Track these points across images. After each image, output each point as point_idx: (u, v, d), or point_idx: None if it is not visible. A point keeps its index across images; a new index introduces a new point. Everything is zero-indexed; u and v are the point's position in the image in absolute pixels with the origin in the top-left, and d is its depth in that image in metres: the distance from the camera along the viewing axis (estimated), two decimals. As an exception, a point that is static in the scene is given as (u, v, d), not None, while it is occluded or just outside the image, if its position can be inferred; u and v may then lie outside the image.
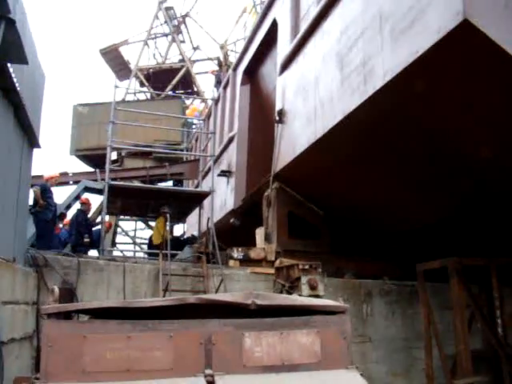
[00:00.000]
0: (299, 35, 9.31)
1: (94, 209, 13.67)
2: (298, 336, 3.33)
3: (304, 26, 9.14)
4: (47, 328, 3.15)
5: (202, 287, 8.51)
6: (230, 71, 15.70)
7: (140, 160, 22.17)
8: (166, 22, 30.14)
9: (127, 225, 27.16)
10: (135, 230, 26.70)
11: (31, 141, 7.80)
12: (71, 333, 3.18)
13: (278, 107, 10.47)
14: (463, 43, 4.95)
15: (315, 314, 3.43)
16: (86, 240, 11.94)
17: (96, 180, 14.76)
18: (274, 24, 11.33)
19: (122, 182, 14.43)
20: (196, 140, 20.54)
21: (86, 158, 25.08)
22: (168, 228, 12.10)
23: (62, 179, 14.00)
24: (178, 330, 3.23)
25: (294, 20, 9.95)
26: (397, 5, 5.96)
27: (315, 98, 8.50)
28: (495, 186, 7.12)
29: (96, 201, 14.05)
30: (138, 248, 25.04)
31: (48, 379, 3.02)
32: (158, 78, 28.89)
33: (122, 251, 20.93)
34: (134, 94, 30.15)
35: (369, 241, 9.82)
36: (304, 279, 7.35)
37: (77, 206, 13.72)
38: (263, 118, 12.71)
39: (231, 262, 9.36)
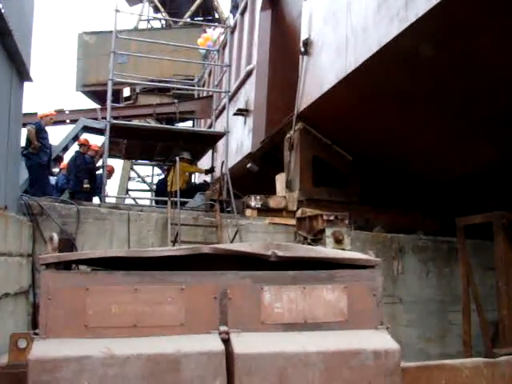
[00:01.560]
0: (330, -50, 8.99)
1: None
2: (322, 291, 3.35)
3: None
4: (46, 279, 3.19)
5: (215, 239, 8.61)
6: (249, -6, 15.32)
7: (157, 97, 22.01)
8: None
9: (144, 170, 27.58)
10: (152, 176, 26.99)
11: (21, 73, 7.76)
12: (73, 284, 3.22)
13: (303, 36, 10.27)
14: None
15: (342, 267, 3.45)
16: (86, 186, 12.07)
17: (96, 119, 14.73)
18: None
19: (136, 122, 14.46)
20: (209, 74, 20.32)
21: (94, 95, 24.94)
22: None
23: (58, 117, 13.97)
24: (190, 283, 3.27)
25: None
26: None
27: (347, 25, 8.31)
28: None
29: (97, 142, 14.03)
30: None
31: (48, 334, 3.07)
32: (174, 2, 28.31)
33: (133, 198, 21.21)
34: (148, 21, 29.70)
35: (403, 191, 9.78)
36: (328, 231, 7.41)
37: (75, 147, 13.78)
38: (286, 50, 12.48)
39: (248, 212, 9.42)
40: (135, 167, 26.44)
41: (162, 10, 28.44)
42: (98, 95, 24.30)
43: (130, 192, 25.66)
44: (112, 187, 21.87)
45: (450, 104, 7.34)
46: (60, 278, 3.21)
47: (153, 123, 17.65)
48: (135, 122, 14.26)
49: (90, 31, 24.96)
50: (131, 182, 26.88)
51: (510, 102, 6.70)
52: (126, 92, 22.65)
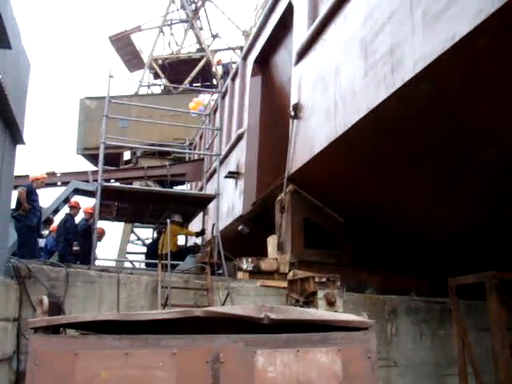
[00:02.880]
0: (318, 20, 9.32)
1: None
2: (316, 354, 3.32)
3: (323, 10, 9.15)
4: (34, 344, 3.14)
5: (206, 302, 8.50)
6: (239, 60, 15.76)
7: (157, 160, 22.35)
8: (182, 6, 30.38)
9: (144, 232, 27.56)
10: (152, 238, 26.98)
11: (14, 136, 7.84)
12: (61, 349, 3.17)
13: (293, 101, 10.50)
14: (507, 26, 4.94)
15: (336, 330, 3.42)
16: (76, 248, 11.99)
17: (88, 181, 14.81)
18: (290, 7, 11.37)
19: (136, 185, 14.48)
20: (200, 137, 20.61)
21: (94, 158, 25.25)
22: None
23: (50, 180, 14.04)
24: (181, 347, 3.23)
25: (312, 3, 9.98)
26: (430, -15, 5.95)
27: (336, 90, 8.51)
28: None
29: (88, 204, 14.06)
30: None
31: (34, 402, 3.00)
32: (174, 69, 29.18)
33: (124, 261, 21.13)
34: (148, 86, 30.40)
35: (394, 252, 9.78)
36: (320, 294, 7.34)
37: (65, 210, 13.76)
38: (276, 114, 12.73)
39: (240, 274, 9.37)
40: (136, 230, 26.42)
41: (162, 76, 29.15)
42: (97, 158, 24.52)
43: (128, 255, 25.56)
44: (105, 249, 21.89)
45: (438, 167, 7.46)
46: (49, 343, 3.16)
47: (153, 186, 17.80)
48: (127, 185, 14.33)
49: (91, 96, 25.56)
50: (132, 244, 26.86)
51: (497, 165, 6.83)
52: (127, 156, 22.98)
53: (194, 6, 30.64)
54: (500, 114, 6.11)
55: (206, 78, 29.69)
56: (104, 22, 77.01)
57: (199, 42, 30.17)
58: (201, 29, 30.88)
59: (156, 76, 29.97)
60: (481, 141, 6.61)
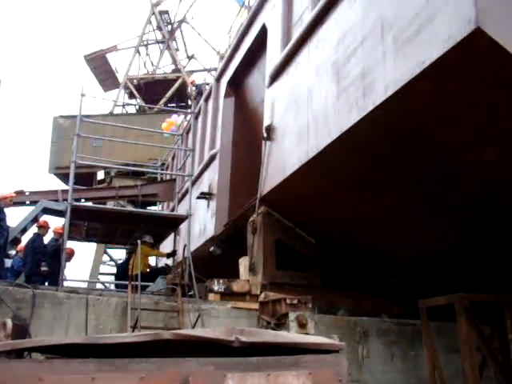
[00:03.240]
0: (291, 43, 9.43)
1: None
2: (287, 378, 3.27)
3: (297, 33, 9.27)
4: (-3, 369, 3.04)
5: (177, 324, 8.40)
6: (213, 82, 15.82)
7: (131, 180, 22.22)
8: (159, 27, 30.53)
9: (117, 253, 27.26)
10: (124, 259, 26.69)
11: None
12: (25, 374, 3.06)
13: (266, 123, 10.55)
14: (475, 52, 5.05)
15: (307, 352, 3.39)
16: (44, 269, 11.78)
17: (57, 200, 14.60)
18: (263, 30, 11.48)
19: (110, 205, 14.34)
20: (173, 158, 20.55)
21: (68, 177, 24.88)
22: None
23: (18, 199, 13.80)
24: (150, 371, 3.15)
25: (285, 26, 10.09)
26: (401, 11, 6.08)
27: (308, 113, 8.58)
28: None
29: (57, 224, 13.83)
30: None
31: (-7, 434, 2.89)
32: (149, 89, 29.22)
33: (92, 282, 20.89)
34: (123, 106, 30.28)
35: (365, 273, 9.83)
36: (292, 316, 7.28)
37: (34, 229, 13.53)
38: (249, 135, 12.78)
39: (211, 296, 9.28)
40: (109, 250, 26.10)
41: (138, 95, 29.10)
42: (68, 177, 24.20)
43: (101, 276, 25.21)
44: (74, 270, 21.62)
45: (410, 191, 7.53)
46: (12, 368, 3.05)
47: (129, 207, 17.64)
48: (98, 205, 14.17)
49: (64, 115, 25.34)
50: (104, 265, 26.46)
51: (471, 190, 6.94)
52: (101, 175, 22.82)
53: (170, 27, 30.85)
54: (459, 139, 6.23)
55: (181, 98, 29.77)
56: (80, 41, 77.01)
57: (175, 62, 30.28)
58: (177, 50, 31.08)
59: (131, 96, 29.96)
60: (449, 160, 6.71)
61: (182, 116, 21.15)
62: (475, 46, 4.97)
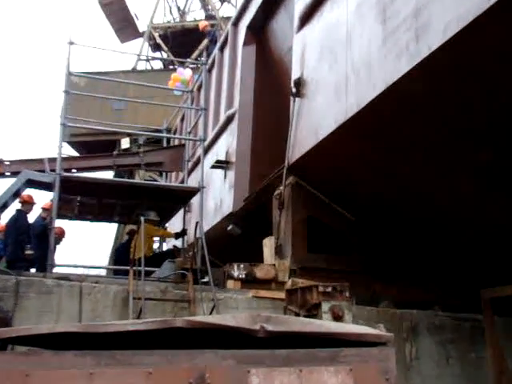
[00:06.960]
0: (326, -25, 9.32)
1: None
2: (323, 375, 3.29)
3: (333, -37, 9.15)
4: (-24, 363, 3.09)
5: (187, 315, 8.48)
6: (229, 26, 15.73)
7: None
8: None
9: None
10: (123, 241, 27.03)
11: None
12: (9, 369, 3.12)
13: (294, 75, 10.50)
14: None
15: (347, 345, 3.40)
16: (29, 252, 11.93)
17: (43, 171, 14.73)
18: (292, -40, 11.35)
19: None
20: (182, 120, 20.56)
21: (84, 146, 24.96)
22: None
23: (-4, 169, 13.95)
24: (159, 365, 3.19)
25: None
26: None
27: (347, 62, 8.51)
28: None
29: (45, 199, 13.97)
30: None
31: None
32: (177, 40, 28.94)
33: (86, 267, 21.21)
34: (147, 60, 30.23)
35: (416, 258, 9.80)
36: (325, 306, 7.29)
37: (16, 205, 13.69)
38: (274, 91, 12.73)
39: (230, 283, 9.36)
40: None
41: (165, 48, 28.98)
42: (87, 146, 24.51)
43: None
44: (67, 254, 21.81)
45: (474, 152, 7.43)
46: (-8, 362, 3.11)
47: (160, 180, 17.64)
48: (92, 176, 14.28)
49: (78, 72, 25.45)
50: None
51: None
52: (125, 143, 22.72)
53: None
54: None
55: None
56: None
57: (204, 7, 29.98)
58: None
59: (155, 48, 29.73)
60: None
61: (189, 69, 21.03)
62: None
